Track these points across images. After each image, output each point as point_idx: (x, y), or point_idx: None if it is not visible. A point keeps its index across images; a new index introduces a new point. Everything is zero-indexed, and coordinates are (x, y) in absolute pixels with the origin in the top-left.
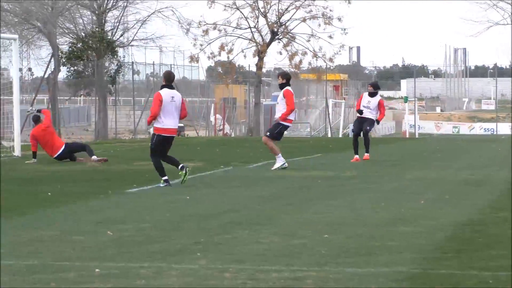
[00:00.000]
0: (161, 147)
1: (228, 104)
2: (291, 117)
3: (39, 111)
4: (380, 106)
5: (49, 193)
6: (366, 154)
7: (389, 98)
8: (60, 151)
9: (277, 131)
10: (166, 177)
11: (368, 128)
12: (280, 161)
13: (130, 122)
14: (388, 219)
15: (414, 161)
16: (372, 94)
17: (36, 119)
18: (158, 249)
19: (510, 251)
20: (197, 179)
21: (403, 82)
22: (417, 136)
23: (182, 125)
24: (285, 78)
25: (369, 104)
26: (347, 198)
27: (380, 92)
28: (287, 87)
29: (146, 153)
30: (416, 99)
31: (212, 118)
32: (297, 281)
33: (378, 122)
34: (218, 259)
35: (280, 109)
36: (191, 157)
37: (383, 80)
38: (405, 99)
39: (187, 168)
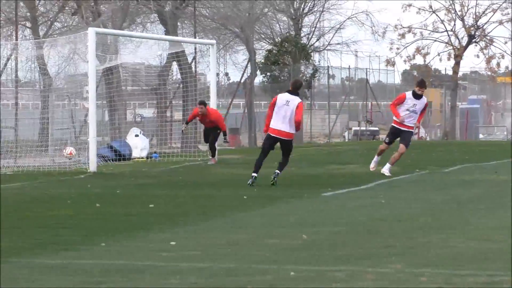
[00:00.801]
0: (269, 146)
1: None
2: None
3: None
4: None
5: (245, 197)
6: None
7: None
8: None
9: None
10: (255, 175)
11: None
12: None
13: (325, 126)
14: None
15: None
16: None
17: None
18: (352, 252)
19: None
20: (393, 183)
21: None
22: None
23: (376, 129)
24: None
25: None
26: None
27: None
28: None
29: (341, 156)
30: None
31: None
32: (493, 286)
33: None
34: (413, 263)
35: (414, 117)
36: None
37: None
38: None
39: (275, 179)
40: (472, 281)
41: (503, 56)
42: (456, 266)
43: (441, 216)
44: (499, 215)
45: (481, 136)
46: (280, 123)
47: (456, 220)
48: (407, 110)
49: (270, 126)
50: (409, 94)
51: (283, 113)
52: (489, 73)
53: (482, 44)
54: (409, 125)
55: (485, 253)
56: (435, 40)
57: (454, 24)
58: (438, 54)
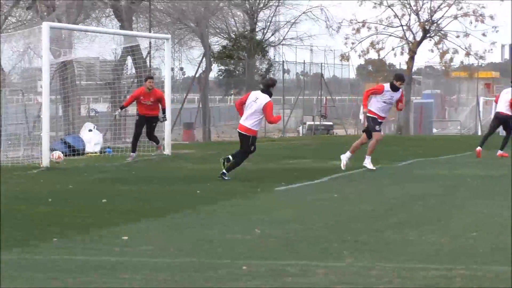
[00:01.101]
0: (239, 140)
1: None
2: None
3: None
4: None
5: (198, 191)
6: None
7: None
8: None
9: None
10: (230, 157)
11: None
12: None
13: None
14: None
15: None
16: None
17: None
18: (305, 247)
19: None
20: (345, 177)
21: None
22: None
23: (331, 123)
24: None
25: None
26: (497, 197)
27: None
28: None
29: (295, 151)
30: None
31: (361, 117)
32: (444, 280)
33: None
34: (365, 257)
35: (389, 108)
36: (339, 155)
37: None
38: None
39: (222, 177)
40: (423, 275)
41: (457, 51)
42: (408, 260)
43: (394, 210)
44: (451, 210)
45: (434, 130)
46: (244, 118)
47: (409, 215)
48: (384, 102)
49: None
50: (387, 86)
51: (249, 108)
52: (444, 68)
53: (436, 39)
54: (384, 116)
55: (437, 247)
56: (390, 35)
57: (409, 19)
58: (393, 49)
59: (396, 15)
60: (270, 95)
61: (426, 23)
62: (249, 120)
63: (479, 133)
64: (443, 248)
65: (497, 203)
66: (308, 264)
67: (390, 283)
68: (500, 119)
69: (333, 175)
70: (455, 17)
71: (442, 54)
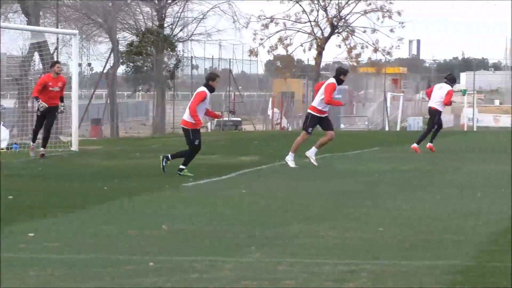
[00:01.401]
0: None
1: (286, 98)
2: None
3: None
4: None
5: (105, 188)
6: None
7: None
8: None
9: None
10: (168, 156)
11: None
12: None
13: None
14: (444, 213)
15: (471, 155)
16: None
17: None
18: (212, 242)
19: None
20: (254, 173)
21: (463, 75)
22: (475, 129)
23: (239, 119)
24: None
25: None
26: (404, 191)
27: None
28: None
29: (203, 147)
30: (475, 92)
31: (269, 112)
32: (351, 274)
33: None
34: (273, 252)
35: None
36: (247, 151)
37: (442, 73)
38: (463, 92)
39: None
40: (330, 269)
41: (366, 47)
42: (316, 255)
43: (303, 206)
44: (358, 205)
45: (342, 126)
46: (185, 111)
47: (317, 210)
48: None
49: None
50: (335, 82)
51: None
52: (352, 63)
53: (344, 34)
54: (326, 110)
55: (345, 242)
56: (298, 31)
57: (317, 15)
58: (301, 45)
59: (304, 11)
60: (211, 90)
61: (334, 18)
62: (186, 112)
63: (387, 129)
64: (351, 243)
65: (404, 198)
66: (215, 260)
67: (297, 278)
68: (432, 114)
69: (241, 171)
70: (365, 12)
71: (350, 49)
